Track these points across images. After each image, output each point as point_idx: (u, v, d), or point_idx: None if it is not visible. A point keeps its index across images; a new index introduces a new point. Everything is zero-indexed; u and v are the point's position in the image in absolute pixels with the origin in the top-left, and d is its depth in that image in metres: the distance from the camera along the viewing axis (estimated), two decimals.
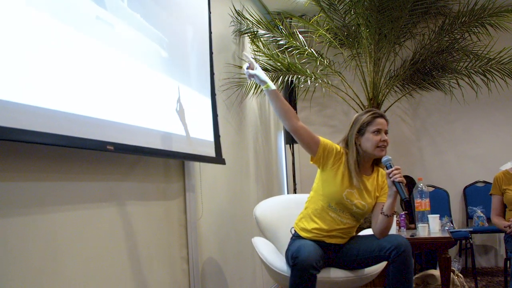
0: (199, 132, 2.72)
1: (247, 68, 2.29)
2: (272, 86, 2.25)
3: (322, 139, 2.31)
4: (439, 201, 4.99)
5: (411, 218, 3.95)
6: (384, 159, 2.25)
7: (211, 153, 2.87)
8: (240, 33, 4.09)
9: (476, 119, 5.27)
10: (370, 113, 2.36)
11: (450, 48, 4.32)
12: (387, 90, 4.34)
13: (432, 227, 3.15)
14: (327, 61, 4.34)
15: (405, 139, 5.41)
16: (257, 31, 4.19)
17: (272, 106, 2.33)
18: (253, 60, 2.31)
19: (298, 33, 4.32)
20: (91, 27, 1.83)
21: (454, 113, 5.25)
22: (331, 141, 2.35)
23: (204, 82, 2.90)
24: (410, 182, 4.41)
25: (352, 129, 2.37)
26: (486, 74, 4.23)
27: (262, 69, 4.09)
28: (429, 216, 3.16)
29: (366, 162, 2.38)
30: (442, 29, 4.27)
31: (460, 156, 5.29)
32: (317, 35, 4.26)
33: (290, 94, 4.45)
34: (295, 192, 4.72)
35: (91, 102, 1.79)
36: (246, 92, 3.97)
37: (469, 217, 5.06)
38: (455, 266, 3.83)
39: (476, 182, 5.18)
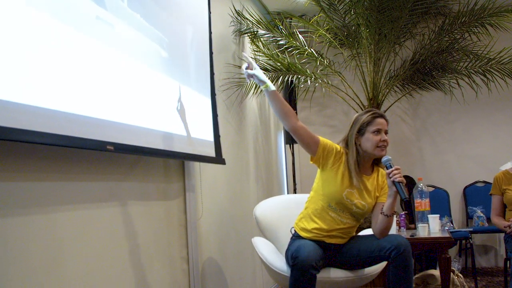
0: (199, 132, 2.72)
1: (246, 68, 2.29)
2: (272, 86, 2.25)
3: (321, 139, 2.31)
4: (439, 201, 4.99)
5: (411, 218, 3.95)
6: (384, 159, 2.25)
7: (211, 153, 2.87)
8: (240, 33, 4.09)
9: (476, 119, 5.27)
10: (370, 113, 2.36)
11: (450, 48, 4.32)
12: (387, 90, 4.35)
13: (432, 227, 3.15)
14: (327, 61, 4.34)
15: (405, 139, 5.41)
16: (257, 31, 4.19)
17: (271, 107, 2.33)
18: (252, 60, 2.31)
19: (298, 33, 4.32)
20: (91, 27, 1.83)
21: (454, 113, 5.25)
22: (331, 141, 2.35)
23: (204, 82, 2.90)
24: (410, 182, 4.41)
25: (352, 129, 2.37)
26: (486, 74, 4.23)
27: (262, 69, 4.13)
28: (429, 216, 3.16)
29: (366, 162, 2.38)
30: (442, 29, 4.27)
31: (460, 156, 5.29)
32: (317, 35, 4.26)
33: (290, 94, 4.45)
34: (295, 192, 4.73)
35: (91, 102, 1.79)
36: (246, 92, 3.97)
37: (469, 217, 5.06)
38: (455, 266, 3.83)
39: (476, 182, 5.18)
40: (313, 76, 4.22)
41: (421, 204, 3.15)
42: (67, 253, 1.74)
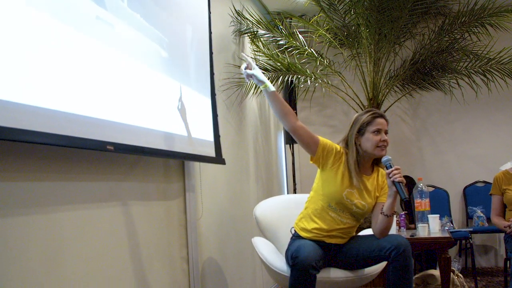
0: (199, 132, 2.72)
1: (245, 68, 2.29)
2: (271, 87, 2.25)
3: (321, 138, 2.31)
4: (439, 201, 4.99)
5: (411, 218, 3.95)
6: (384, 159, 2.25)
7: (211, 153, 2.87)
8: (240, 33, 4.09)
9: (476, 119, 5.27)
10: (370, 113, 2.36)
11: (450, 48, 4.32)
12: (387, 90, 4.35)
13: (432, 227, 3.15)
14: (327, 61, 4.34)
15: (405, 139, 5.41)
16: (257, 31, 4.19)
17: (271, 107, 2.33)
18: (251, 60, 2.31)
19: (298, 33, 4.32)
20: (91, 27, 1.83)
21: (454, 113, 5.25)
22: (331, 141, 2.35)
23: (204, 82, 2.90)
24: (410, 182, 4.41)
25: (352, 129, 2.37)
26: (486, 74, 4.23)
27: (262, 69, 4.13)
28: (429, 216, 3.16)
29: (366, 162, 2.38)
30: (442, 29, 4.27)
31: (460, 156, 5.29)
32: (317, 35, 4.26)
33: (290, 94, 4.45)
34: (295, 192, 4.73)
35: (91, 102, 1.79)
36: (246, 92, 3.97)
37: (469, 217, 5.06)
38: (455, 266, 3.84)
39: (476, 182, 5.18)
40: (313, 76, 4.22)
41: (421, 204, 3.15)
42: (67, 253, 1.74)
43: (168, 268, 2.50)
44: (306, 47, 4.29)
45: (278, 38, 4.31)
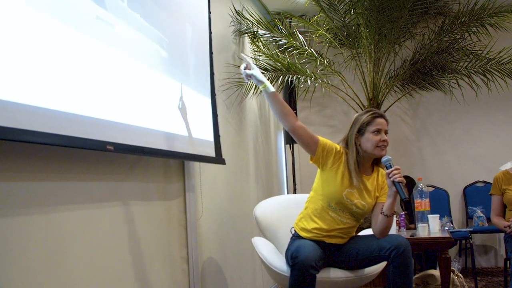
0: (199, 132, 2.72)
1: (244, 69, 2.30)
2: (270, 87, 2.26)
3: (321, 138, 2.31)
4: (439, 201, 4.99)
5: (411, 218, 3.95)
6: (384, 159, 2.25)
7: (211, 153, 2.87)
8: (240, 33, 4.09)
9: (476, 119, 5.27)
10: (370, 113, 2.36)
11: (450, 48, 4.32)
12: (387, 90, 4.35)
13: (432, 227, 3.15)
14: (327, 61, 4.34)
15: (405, 139, 5.41)
16: (257, 31, 4.19)
17: (270, 107, 2.33)
18: (250, 61, 2.31)
19: (298, 33, 4.32)
20: (91, 27, 1.83)
21: (454, 113, 5.25)
22: (331, 141, 2.35)
23: (204, 82, 2.90)
24: (410, 182, 4.41)
25: (352, 129, 2.37)
26: (486, 74, 4.23)
27: (262, 69, 4.14)
28: (429, 216, 3.16)
29: (366, 162, 2.38)
30: (442, 29, 4.27)
31: (460, 156, 5.29)
32: (317, 35, 4.26)
33: (290, 94, 4.45)
34: (295, 192, 4.73)
35: (91, 102, 1.79)
36: (246, 92, 3.97)
37: (469, 217, 5.06)
38: (455, 266, 3.83)
39: (476, 182, 5.18)
40: (313, 76, 4.22)
41: (421, 204, 3.15)
42: (67, 253, 1.74)
43: (168, 268, 2.50)
44: (306, 47, 4.29)
45: (278, 38, 4.31)
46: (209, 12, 3.07)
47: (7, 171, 1.52)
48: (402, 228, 3.32)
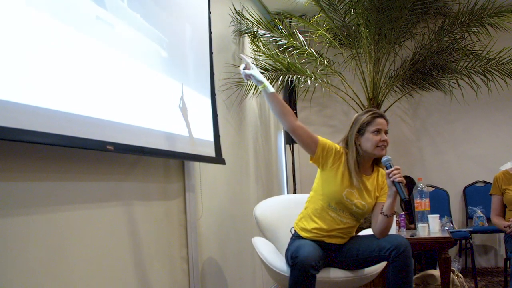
0: (199, 132, 2.72)
1: (243, 69, 2.30)
2: (270, 87, 2.26)
3: (321, 138, 2.31)
4: (439, 201, 4.99)
5: (411, 218, 3.95)
6: (384, 159, 2.25)
7: (211, 153, 2.87)
8: (240, 33, 4.09)
9: (476, 119, 5.27)
10: (370, 113, 2.36)
11: (450, 48, 4.32)
12: (387, 90, 4.35)
13: (432, 227, 3.15)
14: (327, 61, 4.34)
15: (405, 139, 5.41)
16: (257, 31, 4.19)
17: (270, 107, 2.33)
18: (249, 61, 2.32)
19: (298, 33, 4.32)
20: (91, 27, 1.83)
21: (454, 113, 5.25)
22: (331, 141, 2.35)
23: (204, 82, 2.90)
24: (410, 182, 4.41)
25: (352, 129, 2.37)
26: (486, 74, 4.23)
27: (262, 69, 4.14)
28: (429, 216, 3.16)
29: (366, 162, 2.38)
30: (442, 29, 4.27)
31: (460, 156, 5.29)
32: (317, 35, 4.26)
33: (290, 94, 4.45)
34: (295, 192, 4.73)
35: (91, 102, 1.79)
36: (246, 92, 3.97)
37: (469, 217, 5.07)
38: (455, 266, 3.83)
39: (476, 182, 5.18)
40: (313, 76, 4.22)
41: (421, 204, 3.15)
42: (67, 253, 1.74)
43: (168, 268, 2.50)
44: (306, 47, 4.29)
45: (278, 38, 4.31)
46: (209, 12, 3.07)
47: (7, 171, 1.52)
48: (402, 228, 3.32)
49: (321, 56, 4.33)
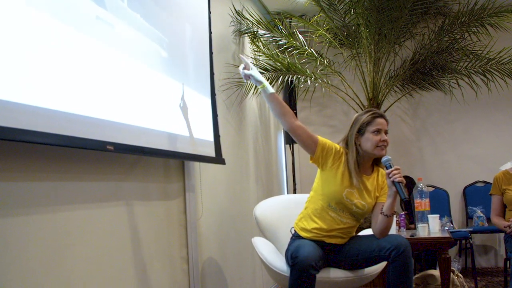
0: (199, 132, 2.72)
1: (243, 69, 2.30)
2: (270, 88, 2.27)
3: (320, 138, 2.31)
4: (439, 201, 4.99)
5: (411, 218, 3.95)
6: (384, 159, 2.25)
7: (211, 153, 2.87)
8: (240, 33, 4.09)
9: (476, 119, 5.27)
10: (370, 113, 2.36)
11: (450, 48, 4.32)
12: (387, 90, 4.35)
13: (432, 227, 3.15)
14: (327, 61, 4.34)
15: (405, 139, 5.41)
16: (257, 31, 4.19)
17: (269, 107, 2.34)
18: (248, 61, 2.32)
19: (298, 33, 4.32)
20: (91, 27, 1.83)
21: (454, 113, 5.25)
22: (331, 141, 2.35)
23: (204, 82, 2.90)
24: (410, 182, 4.41)
25: (352, 129, 2.37)
26: (486, 74, 4.23)
27: (262, 69, 4.13)
28: (429, 216, 3.16)
29: (366, 162, 2.38)
30: (442, 29, 4.27)
31: (460, 156, 5.29)
32: (317, 35, 4.26)
33: (290, 94, 4.45)
34: (295, 192, 4.73)
35: (91, 102, 1.79)
36: (246, 92, 3.97)
37: (469, 217, 5.06)
38: (455, 266, 3.84)
39: (476, 182, 5.18)
40: (313, 76, 4.22)
41: (421, 204, 3.15)
42: (67, 253, 1.74)
43: (168, 268, 2.50)
44: (306, 47, 4.29)
45: (278, 38, 4.31)
46: (209, 12, 3.07)
47: (7, 171, 1.52)
48: (402, 228, 3.32)
49: (321, 56, 4.33)
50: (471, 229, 4.66)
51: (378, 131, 2.31)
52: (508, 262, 3.91)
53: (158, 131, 2.28)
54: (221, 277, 3.22)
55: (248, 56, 4.19)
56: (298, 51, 4.28)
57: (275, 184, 4.89)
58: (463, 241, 4.77)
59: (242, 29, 4.09)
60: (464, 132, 5.30)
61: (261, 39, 4.26)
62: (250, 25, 4.13)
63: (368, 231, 2.75)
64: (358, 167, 2.32)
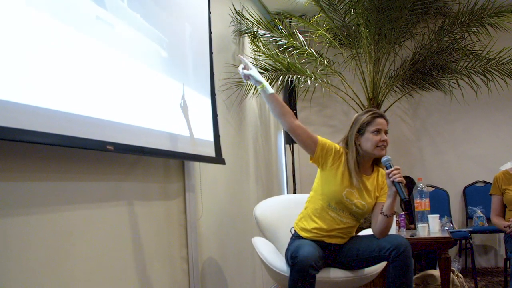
0: (199, 132, 2.72)
1: (242, 69, 2.31)
2: (269, 88, 2.27)
3: (320, 138, 2.31)
4: (439, 201, 4.99)
5: (411, 218, 3.95)
6: (384, 159, 2.25)
7: (211, 153, 2.87)
8: (240, 33, 4.09)
9: (476, 119, 5.27)
10: (370, 113, 2.36)
11: (450, 48, 4.32)
12: (387, 90, 4.35)
13: (432, 227, 3.14)
14: (327, 61, 4.34)
15: (405, 139, 5.41)
16: (257, 31, 4.19)
17: (269, 107, 2.34)
18: (247, 61, 2.32)
19: (298, 33, 4.32)
20: (91, 27, 1.83)
21: (454, 113, 5.25)
22: (331, 141, 2.35)
23: (204, 82, 2.90)
24: (410, 182, 4.41)
25: (352, 129, 2.37)
26: (486, 74, 4.23)
27: (262, 69, 4.13)
28: (429, 216, 3.16)
29: (366, 162, 2.38)
30: (442, 29, 4.27)
31: (460, 156, 5.29)
32: (317, 35, 4.26)
33: (290, 94, 4.45)
34: (295, 192, 4.73)
35: (91, 102, 1.79)
36: (246, 92, 3.97)
37: (469, 217, 5.06)
38: (455, 266, 3.83)
39: (476, 182, 5.18)
40: (313, 76, 4.22)
41: (421, 204, 3.15)
42: (67, 253, 1.74)
43: (168, 268, 2.50)
44: (306, 47, 4.29)
45: (278, 38, 4.31)
46: (209, 12, 3.07)
47: (7, 171, 1.52)
48: (402, 228, 3.32)
49: (321, 56, 4.33)
50: (471, 229, 4.66)
51: (378, 131, 2.31)
52: (508, 262, 3.91)
53: (158, 131, 2.28)
54: (221, 277, 3.22)
55: (248, 56, 4.19)
56: (298, 51, 4.28)
57: (275, 184, 4.89)
58: (463, 241, 4.76)
59: (242, 29, 4.09)
60: (464, 132, 5.30)
61: (261, 39, 4.26)
62: (250, 25, 4.13)
63: (368, 231, 2.75)
64: (358, 167, 2.32)
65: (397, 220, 3.24)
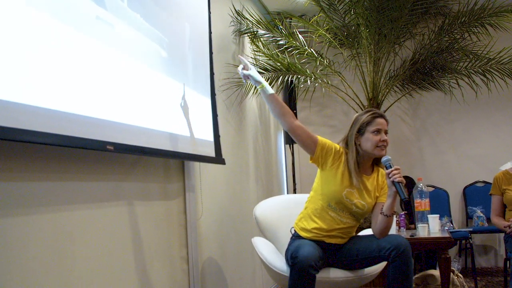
0: (199, 132, 2.72)
1: (242, 69, 2.31)
2: (269, 89, 2.27)
3: (320, 138, 2.31)
4: (439, 201, 4.99)
5: (411, 218, 3.95)
6: (383, 159, 2.25)
7: (211, 153, 2.87)
8: (240, 33, 4.09)
9: (476, 119, 5.27)
10: (370, 113, 2.36)
11: (450, 48, 4.32)
12: (387, 90, 4.35)
13: (432, 227, 3.15)
14: (327, 61, 4.34)
15: (405, 139, 5.41)
16: (257, 31, 4.19)
17: (269, 107, 2.34)
18: (247, 62, 2.33)
19: (298, 33, 4.32)
20: (91, 27, 1.83)
21: (454, 113, 5.25)
22: (331, 141, 2.35)
23: (204, 82, 2.90)
24: (410, 182, 4.41)
25: (352, 129, 2.37)
26: (486, 74, 4.24)
27: (262, 69, 4.13)
28: (429, 216, 3.16)
29: (366, 162, 2.38)
30: (442, 29, 4.27)
31: (460, 156, 5.29)
32: (317, 35, 4.26)
33: (290, 94, 4.45)
34: (295, 192, 4.73)
35: (91, 102, 1.79)
36: (246, 92, 3.97)
37: (469, 217, 5.06)
38: (455, 266, 3.83)
39: (476, 182, 5.18)
40: (313, 76, 4.22)
41: (421, 204, 3.15)
42: (67, 253, 1.74)
43: (168, 268, 2.50)
44: (306, 47, 4.29)
45: (278, 38, 4.31)
46: (209, 12, 3.07)
47: (7, 171, 1.52)
48: (402, 228, 3.32)
49: (321, 56, 4.33)
50: (471, 229, 4.66)
51: (378, 131, 2.31)
52: (508, 262, 3.91)
53: (158, 131, 2.28)
54: (221, 277, 3.22)
55: (248, 56, 4.19)
56: (298, 51, 4.28)
57: (275, 184, 4.89)
58: (463, 241, 4.76)
59: (242, 29, 4.09)
60: (464, 132, 5.30)
61: (261, 39, 4.26)
62: (250, 25, 4.13)
63: (368, 231, 2.75)
64: (358, 167, 2.33)
65: (397, 220, 3.24)
